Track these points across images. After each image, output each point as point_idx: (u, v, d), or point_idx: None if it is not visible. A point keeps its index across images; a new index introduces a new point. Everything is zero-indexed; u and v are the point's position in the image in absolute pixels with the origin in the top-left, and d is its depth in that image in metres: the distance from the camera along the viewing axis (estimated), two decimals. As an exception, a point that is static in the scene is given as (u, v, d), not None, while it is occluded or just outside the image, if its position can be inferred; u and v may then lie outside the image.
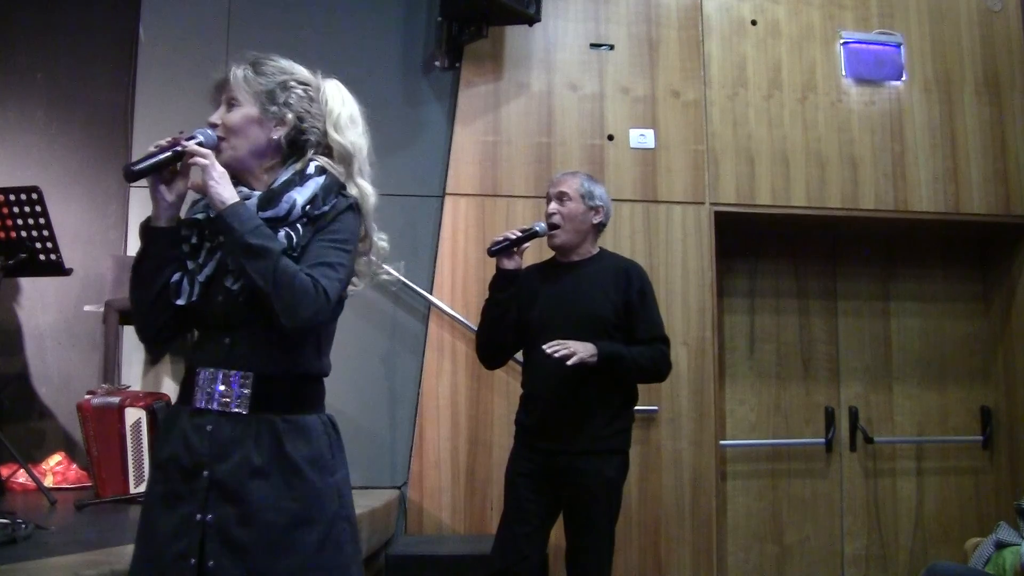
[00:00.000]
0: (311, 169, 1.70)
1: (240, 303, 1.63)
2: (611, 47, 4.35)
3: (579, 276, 2.94)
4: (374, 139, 1.81)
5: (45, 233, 3.40)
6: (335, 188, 1.70)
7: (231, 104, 1.70)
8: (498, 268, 2.88)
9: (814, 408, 4.67)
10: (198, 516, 1.58)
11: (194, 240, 1.71)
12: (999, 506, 4.52)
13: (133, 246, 4.08)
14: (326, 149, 1.74)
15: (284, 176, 1.70)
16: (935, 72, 4.56)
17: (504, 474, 2.97)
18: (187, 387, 1.69)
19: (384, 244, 1.83)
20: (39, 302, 4.14)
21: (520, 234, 2.86)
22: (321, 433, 1.67)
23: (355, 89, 1.83)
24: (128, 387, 3.61)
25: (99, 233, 4.20)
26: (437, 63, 4.26)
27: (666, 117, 4.32)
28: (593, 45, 4.34)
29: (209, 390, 1.64)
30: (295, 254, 1.63)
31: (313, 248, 1.64)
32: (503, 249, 2.84)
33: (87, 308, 4.01)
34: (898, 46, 4.54)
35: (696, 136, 4.33)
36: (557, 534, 2.95)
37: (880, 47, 4.53)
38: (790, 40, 4.48)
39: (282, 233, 1.64)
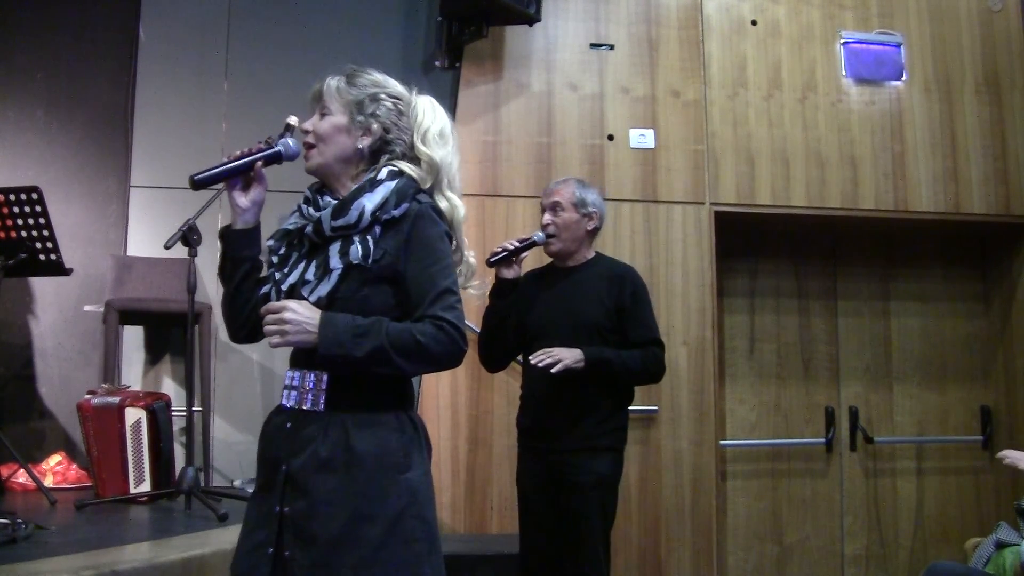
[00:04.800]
0: (383, 175, 1.72)
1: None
2: (611, 47, 4.35)
3: (574, 282, 2.97)
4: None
5: (45, 233, 3.40)
6: (410, 192, 1.71)
7: (323, 113, 1.77)
8: (497, 277, 2.90)
9: (814, 408, 4.67)
10: (276, 508, 1.66)
11: (283, 251, 1.76)
12: (999, 506, 4.52)
13: (133, 246, 4.08)
14: (413, 160, 1.77)
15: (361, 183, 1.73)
16: (935, 72, 4.56)
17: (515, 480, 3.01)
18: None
19: (473, 261, 1.84)
20: (39, 302, 4.14)
21: (518, 244, 2.89)
22: (394, 430, 1.69)
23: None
24: (128, 387, 3.61)
25: (99, 233, 4.19)
26: (437, 63, 4.27)
27: (666, 117, 4.32)
28: (593, 45, 4.34)
29: (291, 390, 1.73)
30: (376, 260, 1.66)
31: (417, 277, 1.67)
32: (502, 259, 2.88)
33: (87, 308, 4.01)
34: (898, 46, 4.54)
35: (696, 136, 4.32)
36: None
37: (880, 47, 4.53)
38: (790, 40, 4.48)
39: (356, 245, 1.66)
